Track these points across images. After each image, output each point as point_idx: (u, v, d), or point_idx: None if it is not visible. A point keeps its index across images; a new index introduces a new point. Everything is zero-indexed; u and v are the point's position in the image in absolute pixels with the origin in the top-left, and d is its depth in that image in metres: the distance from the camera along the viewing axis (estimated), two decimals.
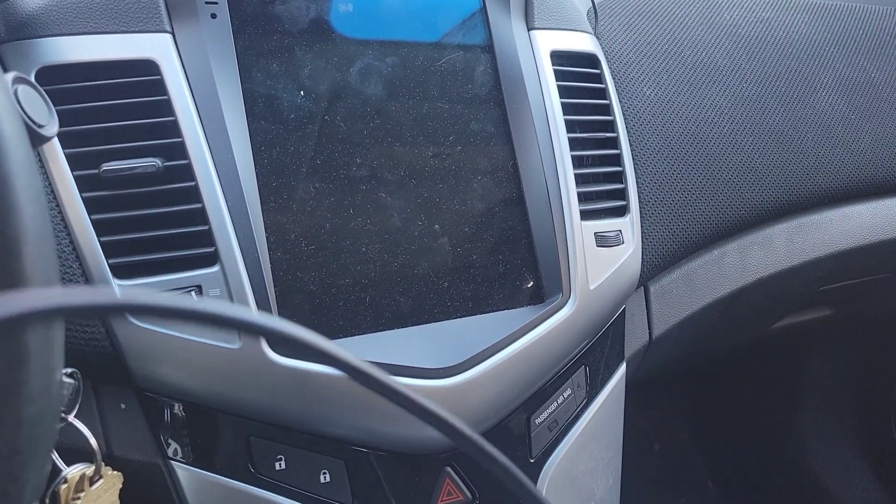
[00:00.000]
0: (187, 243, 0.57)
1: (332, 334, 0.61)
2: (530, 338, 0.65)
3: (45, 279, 0.31)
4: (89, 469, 0.54)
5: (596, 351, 0.73)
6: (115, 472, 0.55)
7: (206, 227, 0.57)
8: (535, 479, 0.68)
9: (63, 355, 0.33)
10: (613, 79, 0.80)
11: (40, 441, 0.31)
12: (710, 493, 1.84)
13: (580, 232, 0.69)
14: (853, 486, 1.63)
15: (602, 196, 0.74)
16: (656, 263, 0.78)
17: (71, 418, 0.53)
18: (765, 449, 1.71)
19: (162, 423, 0.59)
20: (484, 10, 0.72)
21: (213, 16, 0.62)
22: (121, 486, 0.55)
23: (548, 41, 0.74)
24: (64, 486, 0.52)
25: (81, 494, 0.53)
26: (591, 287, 0.69)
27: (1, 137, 0.30)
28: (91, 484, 0.53)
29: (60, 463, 0.53)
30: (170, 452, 0.59)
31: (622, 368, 0.76)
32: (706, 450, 1.82)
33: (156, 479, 0.59)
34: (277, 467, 0.60)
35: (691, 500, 1.82)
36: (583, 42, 0.78)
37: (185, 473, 0.59)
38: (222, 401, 0.58)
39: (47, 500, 0.52)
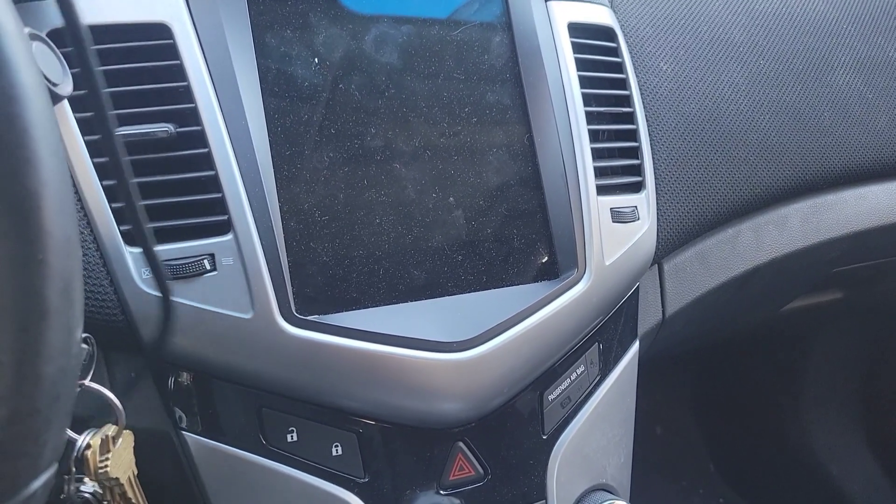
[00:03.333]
0: (200, 211, 0.56)
1: (346, 306, 0.60)
2: (545, 313, 0.64)
3: (65, 233, 0.30)
4: (111, 430, 0.53)
5: (609, 328, 0.73)
6: (127, 430, 0.54)
7: (219, 195, 0.56)
8: (547, 456, 0.67)
9: (83, 314, 0.32)
10: (630, 53, 0.79)
11: (60, 400, 0.30)
12: (710, 475, 1.84)
13: (596, 207, 0.68)
14: (856, 471, 1.63)
15: (618, 171, 0.73)
16: (671, 241, 0.77)
17: (87, 383, 0.52)
18: (767, 432, 1.71)
19: (172, 393, 0.58)
20: None
21: None
22: (133, 442, 0.55)
23: (565, 13, 0.73)
24: (90, 451, 0.52)
25: (108, 455, 0.52)
26: (607, 263, 0.68)
27: (21, 87, 0.29)
28: (113, 444, 0.53)
29: (72, 434, 0.53)
30: (180, 422, 0.58)
31: (635, 346, 0.75)
32: (708, 432, 1.82)
33: (166, 449, 0.58)
34: (289, 439, 0.59)
35: (692, 482, 1.82)
36: (600, 14, 0.77)
37: (195, 443, 0.58)
38: (233, 371, 0.57)
39: (73, 468, 0.52)
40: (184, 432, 0.58)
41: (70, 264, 0.31)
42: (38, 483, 0.30)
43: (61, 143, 0.31)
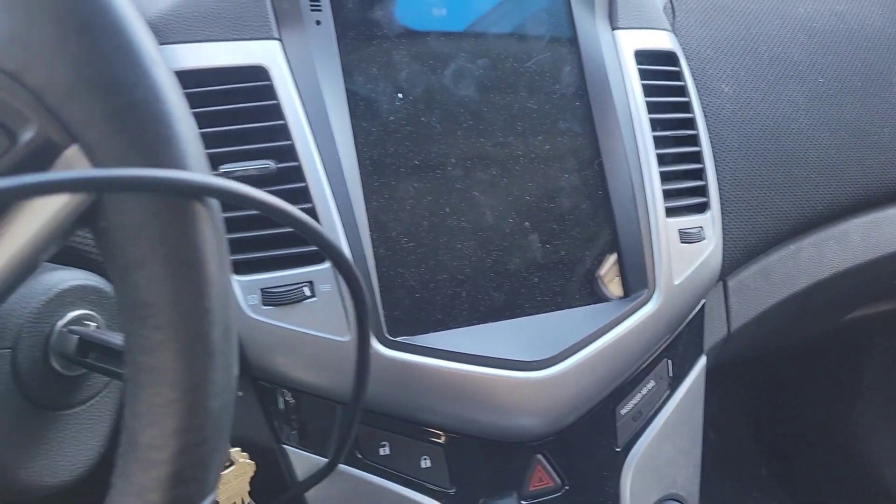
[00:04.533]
0: (299, 241, 0.60)
1: (432, 327, 0.64)
2: (618, 332, 0.68)
3: (223, 282, 0.34)
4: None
5: (677, 344, 0.75)
6: (249, 461, 0.59)
7: None
8: (620, 467, 0.70)
9: (238, 355, 0.36)
10: (692, 76, 0.82)
11: (223, 431, 0.35)
12: (763, 479, 1.85)
13: (665, 229, 0.71)
14: None
15: (683, 193, 0.76)
16: (735, 258, 0.80)
17: None
18: (821, 438, 1.72)
19: (275, 410, 0.62)
20: (570, 11, 0.74)
21: (318, 22, 0.65)
22: (252, 474, 0.59)
23: (631, 41, 0.76)
24: None
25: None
26: (676, 282, 0.71)
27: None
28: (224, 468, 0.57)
29: None
30: (283, 437, 0.62)
31: (702, 361, 0.78)
32: (761, 437, 1.82)
33: (270, 462, 0.62)
34: (381, 452, 0.63)
35: (745, 485, 1.83)
36: (663, 40, 0.80)
37: (296, 456, 0.62)
38: (331, 389, 0.61)
39: None
40: (285, 446, 0.62)
41: (228, 310, 0.35)
42: None
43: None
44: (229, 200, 0.34)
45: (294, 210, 0.36)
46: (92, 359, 0.49)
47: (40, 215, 0.32)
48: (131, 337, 0.33)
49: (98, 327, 0.52)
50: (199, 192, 0.32)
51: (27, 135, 0.31)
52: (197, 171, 0.34)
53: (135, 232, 0.32)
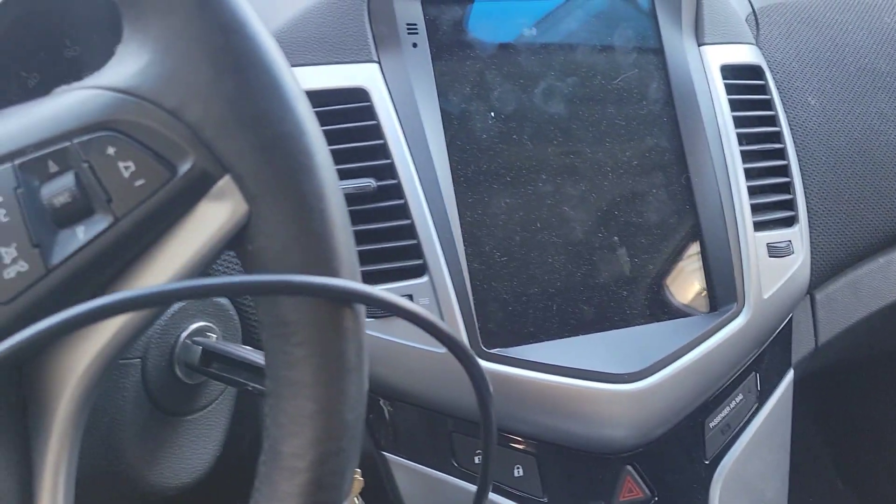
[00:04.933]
0: (398, 256, 0.63)
1: (524, 340, 0.66)
2: (707, 346, 0.68)
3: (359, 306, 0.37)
4: None
5: (765, 358, 0.76)
6: (359, 477, 0.61)
7: (414, 242, 0.63)
8: (709, 480, 0.71)
9: (368, 370, 0.38)
10: (777, 89, 0.82)
11: (356, 441, 0.37)
12: (839, 492, 1.81)
13: (753, 243, 0.71)
14: None
15: (771, 207, 0.76)
16: (823, 272, 0.80)
17: None
18: None
19: (375, 420, 0.65)
20: (657, 27, 0.75)
21: (415, 45, 0.67)
22: (359, 491, 0.61)
23: (717, 56, 0.77)
24: None
25: None
26: (764, 297, 0.71)
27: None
28: None
29: None
30: (383, 446, 0.65)
31: (790, 375, 0.78)
32: (836, 449, 1.79)
33: (369, 469, 0.65)
34: (476, 461, 0.65)
35: (820, 498, 1.79)
36: (748, 54, 0.80)
37: (395, 463, 0.65)
38: (429, 399, 0.64)
39: None
40: (384, 453, 0.65)
41: (361, 329, 0.37)
42: None
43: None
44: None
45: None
46: (214, 368, 0.52)
47: (196, 239, 0.35)
48: (273, 353, 0.36)
49: (218, 338, 0.55)
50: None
51: (185, 166, 0.34)
52: (333, 196, 0.36)
53: (278, 255, 0.35)
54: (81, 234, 0.33)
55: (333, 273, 0.35)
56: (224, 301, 0.57)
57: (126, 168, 0.34)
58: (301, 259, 0.35)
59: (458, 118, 0.67)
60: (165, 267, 0.35)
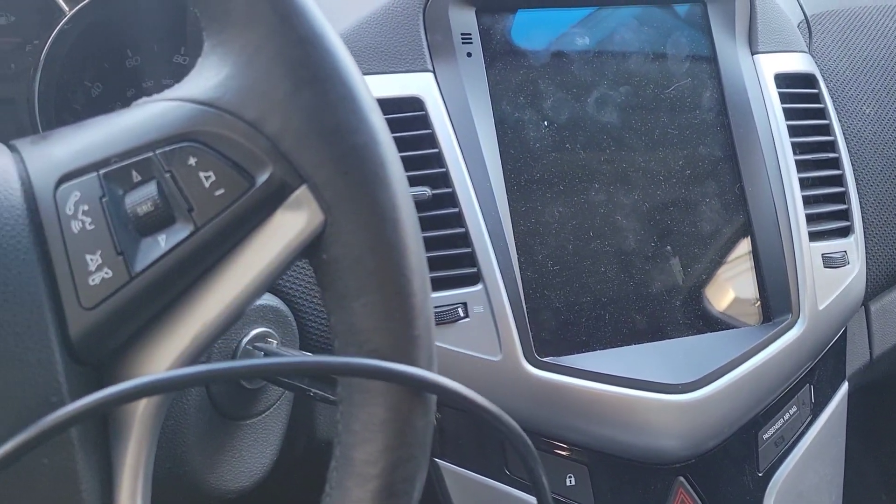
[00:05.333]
0: (453, 264, 0.63)
1: (577, 349, 0.66)
2: (762, 357, 0.68)
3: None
4: None
5: (819, 370, 0.75)
6: None
7: (469, 250, 0.63)
8: (762, 493, 0.70)
9: None
10: (831, 98, 0.81)
11: (427, 448, 0.37)
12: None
13: (808, 253, 0.71)
14: None
15: (825, 217, 0.75)
16: (878, 283, 0.78)
17: None
18: None
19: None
20: (710, 36, 0.74)
21: (469, 54, 0.68)
22: None
23: (771, 64, 0.76)
24: None
25: None
26: (820, 308, 0.70)
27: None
28: None
29: None
30: (435, 451, 0.65)
31: (844, 387, 0.77)
32: (879, 461, 1.75)
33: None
34: None
35: None
36: (802, 63, 0.79)
37: (447, 470, 0.65)
38: None
39: None
40: (437, 460, 0.65)
41: (431, 336, 0.38)
42: None
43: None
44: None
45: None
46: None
47: (272, 248, 0.36)
48: (346, 357, 0.36)
49: (277, 344, 0.56)
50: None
51: (263, 176, 0.35)
52: (406, 206, 0.37)
53: (353, 264, 0.35)
54: (163, 242, 0.34)
55: (405, 282, 0.36)
56: (283, 307, 0.58)
57: (207, 178, 0.35)
58: (375, 267, 0.35)
59: (511, 127, 0.68)
60: (243, 275, 0.36)
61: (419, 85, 0.66)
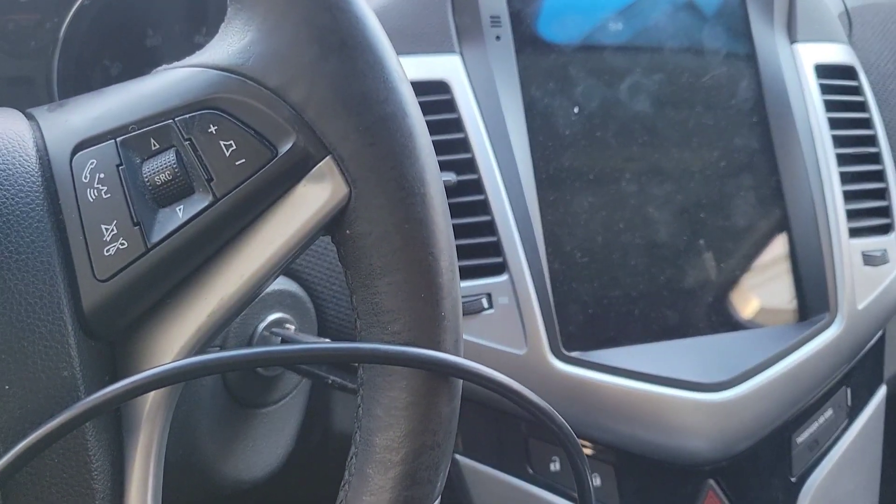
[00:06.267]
0: (477, 253, 0.61)
1: (604, 344, 0.63)
2: (797, 357, 0.65)
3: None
4: None
5: (856, 372, 0.72)
6: None
7: (494, 239, 0.61)
8: (794, 498, 0.67)
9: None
10: (872, 91, 0.78)
11: (452, 436, 0.35)
12: None
13: (848, 250, 0.68)
14: None
15: (866, 213, 0.72)
16: None
17: None
18: None
19: None
20: (748, 24, 0.72)
21: (498, 38, 0.65)
22: None
23: (811, 54, 0.73)
24: None
25: None
26: (859, 307, 0.68)
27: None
28: None
29: None
30: (455, 448, 0.63)
31: (882, 391, 0.74)
32: None
33: None
34: (552, 468, 0.63)
35: None
36: (842, 54, 0.77)
37: (468, 466, 0.63)
38: (502, 402, 0.62)
39: None
40: (456, 456, 0.63)
41: (458, 318, 0.35)
42: None
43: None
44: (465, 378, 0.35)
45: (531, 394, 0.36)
46: None
47: (294, 221, 0.34)
48: (370, 342, 0.34)
49: (295, 330, 0.54)
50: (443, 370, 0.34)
51: (286, 146, 0.33)
52: (434, 181, 0.35)
53: (378, 240, 0.33)
54: (181, 212, 0.32)
55: (433, 261, 0.34)
56: (301, 292, 0.56)
57: (227, 147, 0.33)
58: (402, 245, 0.33)
59: (540, 113, 0.65)
60: (263, 249, 0.34)
61: (446, 68, 0.64)
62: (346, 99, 0.33)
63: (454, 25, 0.65)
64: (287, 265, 0.35)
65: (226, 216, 0.33)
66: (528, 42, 0.66)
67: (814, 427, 0.68)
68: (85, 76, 0.65)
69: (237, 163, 0.33)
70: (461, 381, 0.36)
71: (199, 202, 0.33)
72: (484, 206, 0.61)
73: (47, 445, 0.30)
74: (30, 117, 0.36)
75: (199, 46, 0.36)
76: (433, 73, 0.64)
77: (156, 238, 0.32)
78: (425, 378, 0.34)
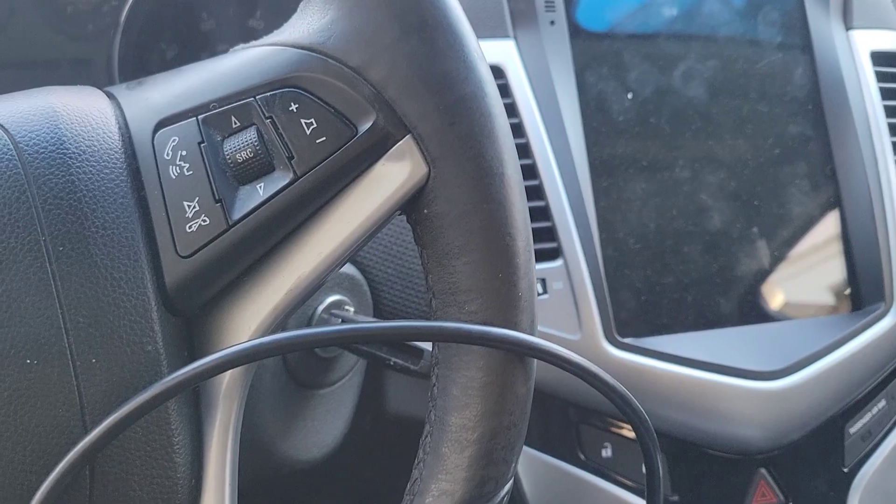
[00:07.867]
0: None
1: (657, 330, 0.63)
2: (852, 346, 0.64)
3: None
4: None
5: None
6: None
7: (549, 224, 0.61)
8: (847, 489, 0.67)
9: None
10: None
11: (527, 417, 0.35)
12: None
13: None
14: None
15: None
16: None
17: None
18: None
19: None
20: (803, 11, 0.71)
21: (552, 23, 0.65)
22: None
23: (867, 41, 0.72)
24: None
25: None
26: None
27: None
28: None
29: None
30: None
31: None
32: None
33: None
34: (604, 454, 0.63)
35: None
36: None
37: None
38: (559, 388, 0.62)
39: None
40: None
41: (534, 299, 0.36)
42: (507, 488, 0.35)
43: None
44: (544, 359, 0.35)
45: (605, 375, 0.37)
46: None
47: (373, 200, 0.34)
48: (448, 321, 0.34)
49: (353, 312, 0.54)
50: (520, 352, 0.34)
51: (366, 125, 0.33)
52: (512, 161, 0.35)
53: (457, 220, 0.33)
54: (262, 190, 0.33)
55: (511, 241, 0.34)
56: (358, 275, 0.57)
57: (308, 125, 0.33)
58: (480, 225, 0.33)
59: (594, 99, 0.65)
60: (341, 227, 0.34)
61: (500, 52, 0.64)
62: (426, 78, 0.33)
63: (508, 10, 0.65)
64: (364, 244, 0.36)
65: (306, 194, 0.33)
66: (582, 27, 0.66)
67: (867, 418, 0.68)
68: (143, 59, 0.66)
69: (318, 141, 0.33)
70: (535, 361, 0.36)
71: (279, 180, 0.33)
72: (538, 192, 0.61)
73: (134, 420, 0.31)
74: (110, 96, 0.36)
75: (253, 30, 0.36)
76: (487, 57, 0.63)
77: (237, 215, 0.33)
78: (502, 358, 0.34)
